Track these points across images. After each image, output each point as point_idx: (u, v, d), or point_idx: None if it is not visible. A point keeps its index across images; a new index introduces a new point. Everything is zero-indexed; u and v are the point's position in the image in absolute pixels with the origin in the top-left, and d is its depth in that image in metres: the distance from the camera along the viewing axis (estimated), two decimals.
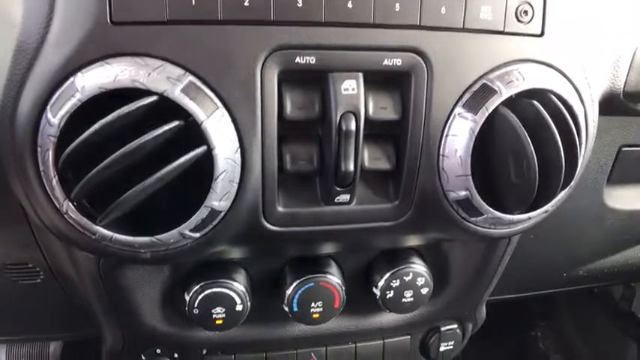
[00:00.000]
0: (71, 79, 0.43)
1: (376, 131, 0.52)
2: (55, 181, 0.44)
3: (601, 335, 1.88)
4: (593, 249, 0.89)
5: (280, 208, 0.53)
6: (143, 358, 0.72)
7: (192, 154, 0.44)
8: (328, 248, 0.65)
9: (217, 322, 0.64)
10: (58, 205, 0.46)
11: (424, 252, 0.70)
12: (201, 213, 0.47)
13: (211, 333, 0.70)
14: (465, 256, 0.71)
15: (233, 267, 0.65)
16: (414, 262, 0.67)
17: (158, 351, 0.71)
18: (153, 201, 0.45)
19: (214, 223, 0.49)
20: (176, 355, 0.72)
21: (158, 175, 0.43)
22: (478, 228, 0.57)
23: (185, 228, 0.48)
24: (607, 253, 0.90)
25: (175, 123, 0.43)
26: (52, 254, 0.65)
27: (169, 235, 0.48)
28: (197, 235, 0.50)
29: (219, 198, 0.47)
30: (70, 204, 0.45)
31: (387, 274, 0.66)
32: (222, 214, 0.49)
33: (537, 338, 2.09)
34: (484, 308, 0.82)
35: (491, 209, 0.53)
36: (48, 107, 0.43)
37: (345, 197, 0.53)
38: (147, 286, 0.63)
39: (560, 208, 0.59)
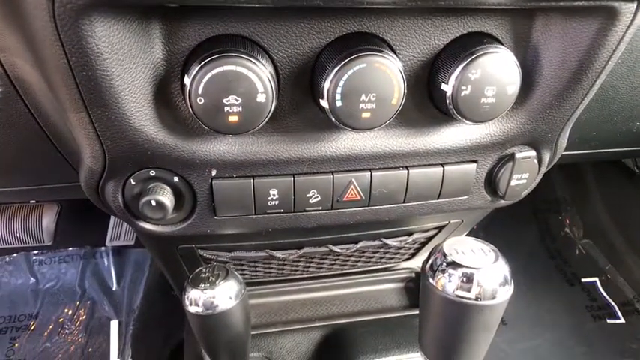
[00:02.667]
0: None
1: None
2: None
3: (634, 216, 1.75)
4: None
5: None
6: (132, 182, 0.55)
7: None
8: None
9: (230, 119, 0.46)
10: None
11: (509, 40, 0.51)
12: None
13: (222, 146, 0.52)
14: (563, 46, 0.51)
15: (252, 46, 0.46)
16: (498, 48, 0.48)
17: (152, 173, 0.54)
18: None
19: None
20: (176, 180, 0.55)
21: None
22: None
23: None
24: None
25: None
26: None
27: None
28: None
29: None
30: None
31: (465, 62, 0.48)
32: None
33: (564, 223, 1.98)
34: (567, 136, 0.64)
35: None
36: None
37: None
38: (132, 67, 0.44)
39: None
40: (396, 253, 0.91)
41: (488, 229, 0.74)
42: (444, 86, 0.49)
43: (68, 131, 0.54)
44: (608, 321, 1.75)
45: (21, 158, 0.66)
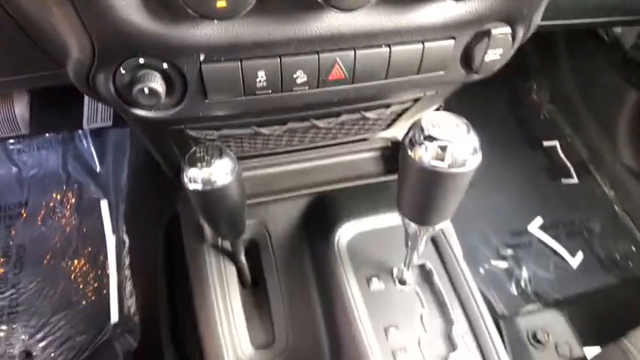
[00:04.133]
0: None
1: None
2: None
3: (601, 84, 1.83)
4: None
5: None
6: (122, 71, 0.56)
7: None
8: None
9: (219, 4, 0.46)
10: None
11: None
12: None
13: (209, 30, 0.53)
14: None
15: None
16: None
17: (141, 61, 0.55)
18: None
19: None
20: (165, 66, 0.56)
21: None
22: None
23: None
24: None
25: None
26: None
27: None
28: None
29: None
30: None
31: None
32: None
33: (532, 90, 2.05)
34: (542, 12, 0.66)
35: None
36: None
37: None
38: None
39: None
40: (373, 125, 0.96)
41: (461, 95, 0.79)
42: None
43: (49, 25, 0.53)
44: (563, 181, 1.91)
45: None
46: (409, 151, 0.53)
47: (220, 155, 0.63)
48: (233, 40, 0.54)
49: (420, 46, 0.61)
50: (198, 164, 0.63)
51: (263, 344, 0.82)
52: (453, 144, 0.50)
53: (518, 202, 1.81)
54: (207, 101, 0.61)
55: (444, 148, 0.50)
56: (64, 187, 1.63)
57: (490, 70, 0.69)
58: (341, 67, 0.61)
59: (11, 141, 1.60)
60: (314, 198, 0.94)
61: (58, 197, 1.62)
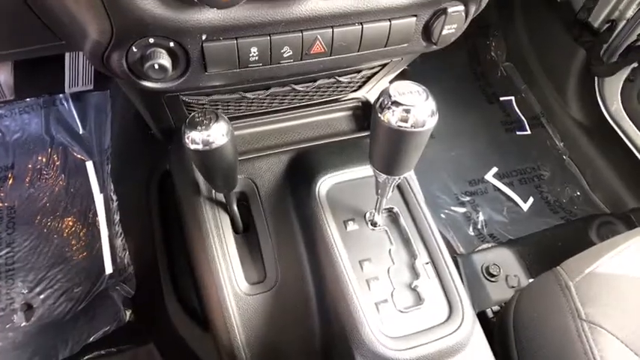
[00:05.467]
0: None
1: None
2: None
3: (553, 43, 1.98)
4: None
5: None
6: (134, 49, 0.65)
7: None
8: None
9: None
10: None
11: None
12: None
13: (211, 14, 0.62)
14: None
15: None
16: None
17: (151, 40, 0.64)
18: None
19: None
20: (171, 44, 0.66)
21: None
22: None
23: None
24: None
25: None
26: None
27: None
28: None
29: None
30: None
31: None
32: None
33: (490, 48, 2.19)
34: None
35: None
36: None
37: None
38: None
39: None
40: (345, 87, 1.08)
41: (424, 55, 0.90)
42: None
43: (68, 12, 0.61)
44: (517, 133, 2.09)
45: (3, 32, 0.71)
46: (379, 114, 0.65)
47: (217, 119, 0.74)
48: (230, 22, 0.64)
49: (388, 23, 0.72)
50: (198, 127, 0.73)
51: (256, 280, 0.95)
52: (415, 108, 0.62)
53: (476, 153, 1.98)
54: (206, 73, 0.71)
55: (407, 111, 0.63)
56: (49, 150, 1.69)
57: (447, 42, 0.81)
58: (321, 43, 0.71)
59: None
60: (295, 154, 1.06)
61: (44, 160, 1.68)
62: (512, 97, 2.14)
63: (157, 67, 0.65)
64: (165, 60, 0.65)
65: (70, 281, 1.52)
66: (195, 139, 0.73)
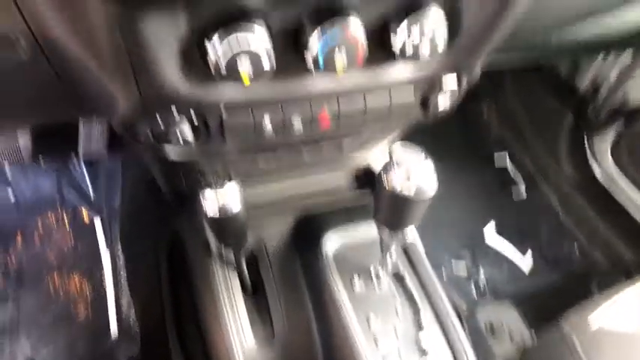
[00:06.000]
0: None
1: None
2: None
3: (542, 106, 2.08)
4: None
5: None
6: (159, 119, 0.71)
7: None
8: None
9: (243, 75, 0.63)
10: None
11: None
12: None
13: (230, 92, 0.70)
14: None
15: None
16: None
17: (175, 111, 0.71)
18: None
19: None
20: (194, 116, 0.72)
21: None
22: None
23: None
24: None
25: None
26: (38, 20, 0.57)
27: None
28: None
29: None
30: None
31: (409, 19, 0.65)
32: None
33: (482, 112, 2.29)
34: (480, 63, 0.86)
35: None
36: None
37: None
38: (167, 39, 0.59)
39: None
40: (346, 147, 1.15)
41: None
42: (393, 37, 0.67)
43: (94, 79, 0.67)
44: (513, 192, 2.14)
45: (32, 101, 0.77)
46: (384, 182, 0.71)
47: (230, 184, 0.80)
48: (248, 98, 0.71)
49: (388, 94, 0.79)
50: (214, 195, 0.79)
51: (264, 340, 0.97)
52: (418, 177, 0.68)
53: (474, 212, 2.03)
54: (225, 141, 0.78)
55: (410, 179, 0.69)
56: (59, 209, 1.74)
57: (443, 111, 0.88)
58: (327, 114, 0.78)
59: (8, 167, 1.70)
60: (301, 211, 1.11)
61: (54, 219, 1.72)
62: (507, 159, 2.22)
63: (179, 135, 0.72)
64: (186, 129, 0.72)
65: (75, 338, 1.52)
66: (212, 207, 0.79)
